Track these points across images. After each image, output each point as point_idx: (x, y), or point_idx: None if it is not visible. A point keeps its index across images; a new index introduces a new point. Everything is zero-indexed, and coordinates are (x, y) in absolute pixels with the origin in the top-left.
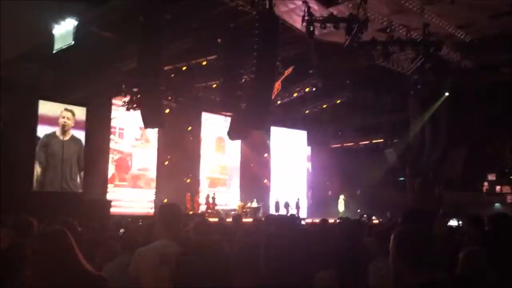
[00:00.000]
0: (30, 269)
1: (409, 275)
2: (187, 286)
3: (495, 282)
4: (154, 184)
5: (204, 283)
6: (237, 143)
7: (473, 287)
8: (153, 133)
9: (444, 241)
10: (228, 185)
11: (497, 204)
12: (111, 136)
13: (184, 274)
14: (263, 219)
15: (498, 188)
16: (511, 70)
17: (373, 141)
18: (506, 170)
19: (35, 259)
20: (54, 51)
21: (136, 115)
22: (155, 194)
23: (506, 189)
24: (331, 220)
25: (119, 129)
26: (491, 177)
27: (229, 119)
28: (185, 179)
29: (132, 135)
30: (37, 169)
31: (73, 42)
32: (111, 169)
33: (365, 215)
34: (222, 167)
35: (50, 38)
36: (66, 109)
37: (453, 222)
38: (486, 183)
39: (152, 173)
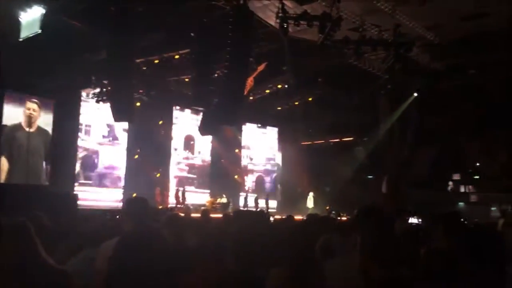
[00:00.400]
0: None
1: (374, 271)
2: (122, 273)
3: (455, 278)
4: (120, 183)
5: (139, 270)
6: (207, 141)
7: (434, 282)
8: (121, 131)
9: (405, 238)
10: (196, 184)
11: (461, 203)
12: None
13: (119, 261)
14: (232, 214)
15: (462, 187)
16: (477, 72)
17: (343, 139)
18: (470, 170)
19: None
20: (20, 39)
21: (103, 112)
22: (123, 188)
23: (470, 188)
24: (299, 217)
25: (86, 125)
26: (456, 177)
27: (198, 116)
28: (155, 173)
29: (99, 132)
30: (2, 162)
31: (40, 31)
32: (77, 167)
33: (333, 212)
34: (191, 166)
35: (16, 26)
36: (31, 101)
37: (414, 220)
38: (451, 183)
39: (119, 172)
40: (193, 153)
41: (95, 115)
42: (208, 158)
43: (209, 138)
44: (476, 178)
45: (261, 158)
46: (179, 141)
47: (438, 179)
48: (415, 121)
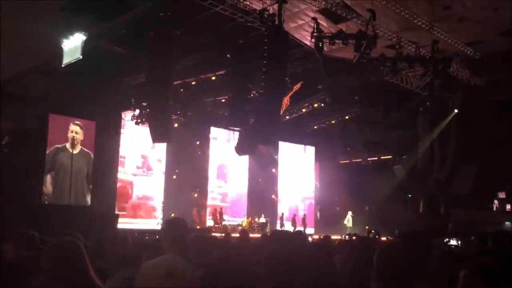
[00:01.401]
0: (43, 277)
1: None
2: None
3: None
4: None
5: None
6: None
7: None
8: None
9: (443, 260)
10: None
11: (507, 223)
12: None
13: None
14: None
15: (508, 206)
16: None
17: (382, 157)
18: None
19: (48, 269)
20: (63, 65)
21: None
22: (162, 208)
23: None
24: (337, 237)
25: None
26: (502, 195)
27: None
28: (192, 193)
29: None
30: (47, 183)
31: (81, 57)
32: None
33: (373, 231)
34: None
35: (59, 53)
36: (74, 123)
37: (453, 242)
38: (496, 201)
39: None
40: (226, 182)
41: (129, 146)
42: (241, 186)
43: (242, 166)
44: None
45: (298, 177)
46: (212, 170)
47: (483, 198)
48: (455, 138)
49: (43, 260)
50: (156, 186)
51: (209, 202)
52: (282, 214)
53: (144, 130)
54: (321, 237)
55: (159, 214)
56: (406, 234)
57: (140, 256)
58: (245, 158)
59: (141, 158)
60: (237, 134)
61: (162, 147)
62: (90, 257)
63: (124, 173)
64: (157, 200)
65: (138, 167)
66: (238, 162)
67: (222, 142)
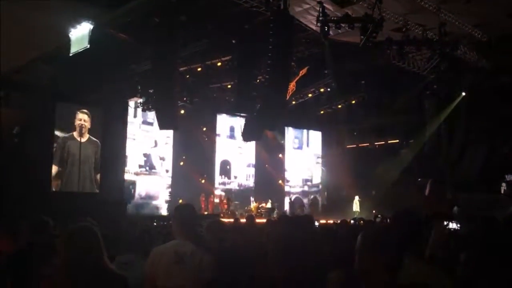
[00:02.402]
0: (57, 262)
1: (375, 274)
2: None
3: (495, 285)
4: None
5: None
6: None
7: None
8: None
9: (443, 243)
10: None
11: None
12: None
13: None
14: (275, 219)
15: None
16: None
17: (388, 142)
18: None
19: (63, 254)
20: (70, 55)
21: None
22: (169, 195)
23: None
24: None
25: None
26: (510, 178)
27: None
28: (200, 179)
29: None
30: (55, 171)
31: (88, 46)
32: None
33: (379, 216)
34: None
35: (67, 42)
36: (82, 111)
37: (453, 225)
38: (504, 184)
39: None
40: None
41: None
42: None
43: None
44: None
45: (305, 162)
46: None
47: (490, 181)
48: (463, 121)
49: (59, 245)
50: (159, 185)
51: (213, 198)
52: (290, 199)
53: (146, 129)
54: (335, 222)
55: (164, 210)
56: (399, 216)
57: (143, 241)
58: (250, 152)
59: (143, 156)
60: (242, 122)
61: (164, 145)
62: (105, 243)
63: (126, 173)
64: (161, 199)
65: (140, 166)
66: (242, 158)
67: (224, 138)
